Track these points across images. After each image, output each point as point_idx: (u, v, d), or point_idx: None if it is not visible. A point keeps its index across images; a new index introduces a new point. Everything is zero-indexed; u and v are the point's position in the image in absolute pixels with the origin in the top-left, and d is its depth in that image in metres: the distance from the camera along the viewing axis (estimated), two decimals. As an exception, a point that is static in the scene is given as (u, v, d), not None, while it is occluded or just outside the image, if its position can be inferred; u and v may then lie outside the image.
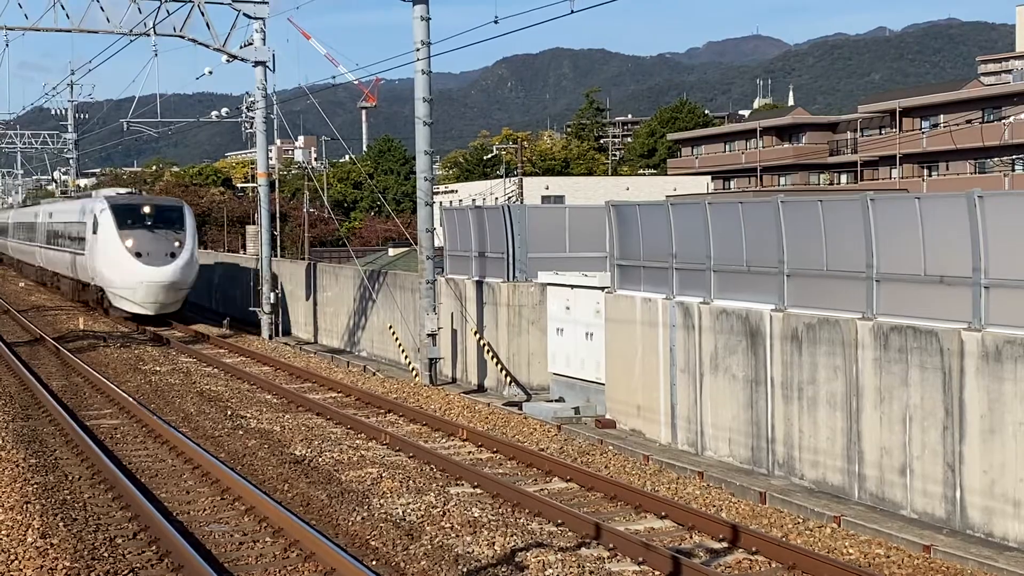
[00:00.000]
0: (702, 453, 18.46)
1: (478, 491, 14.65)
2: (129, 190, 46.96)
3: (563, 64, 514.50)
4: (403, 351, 29.50)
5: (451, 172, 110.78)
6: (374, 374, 26.69)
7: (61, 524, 12.57)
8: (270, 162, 39.43)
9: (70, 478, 15.01)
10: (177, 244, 35.68)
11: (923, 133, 72.73)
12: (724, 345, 17.92)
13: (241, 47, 35.49)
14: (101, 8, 33.44)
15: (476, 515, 13.28)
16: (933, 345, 14.06)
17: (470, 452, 17.38)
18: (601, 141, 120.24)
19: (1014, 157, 67.74)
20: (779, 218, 16.89)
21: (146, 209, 36.43)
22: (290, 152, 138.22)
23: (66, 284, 44.62)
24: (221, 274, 47.70)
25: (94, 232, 36.68)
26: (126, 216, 36.06)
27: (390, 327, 30.93)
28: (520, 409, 21.90)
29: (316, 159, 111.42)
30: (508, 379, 25.49)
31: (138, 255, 35.08)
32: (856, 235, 15.47)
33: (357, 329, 35.34)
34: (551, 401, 23.11)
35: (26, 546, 11.61)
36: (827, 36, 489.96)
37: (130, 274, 35.04)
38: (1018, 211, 13.82)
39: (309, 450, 17.00)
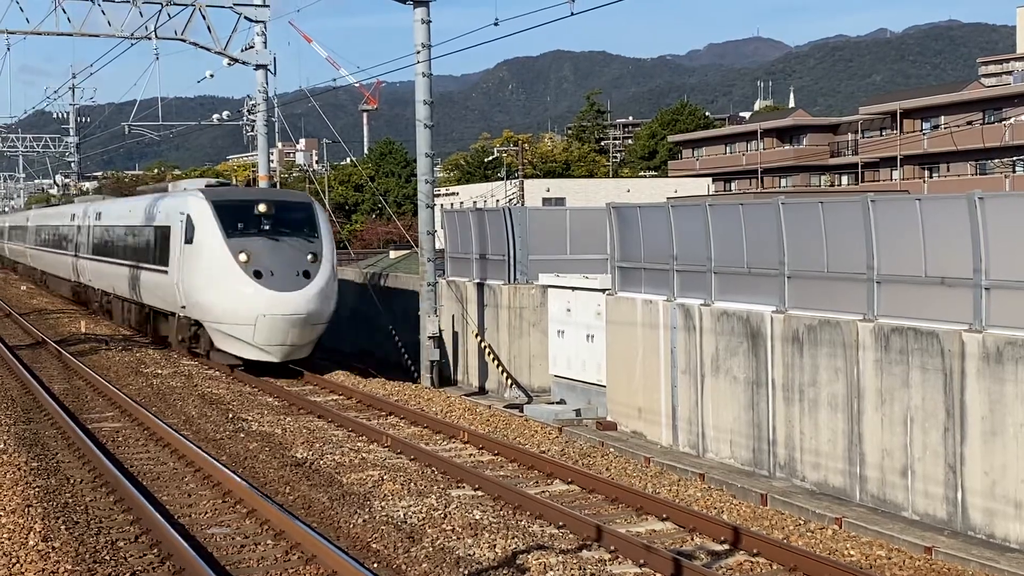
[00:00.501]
0: (703, 455, 18.46)
1: (479, 493, 14.65)
2: (221, 180, 33.65)
3: (564, 66, 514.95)
4: (404, 353, 29.52)
5: (452, 174, 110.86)
6: (375, 376, 26.71)
7: (63, 527, 12.57)
8: (271, 165, 39.42)
9: (72, 481, 15.01)
10: (311, 258, 24.78)
11: (924, 134, 72.74)
12: (725, 347, 17.93)
13: (242, 50, 35.55)
14: (102, 12, 33.50)
15: (477, 517, 13.28)
16: (934, 346, 14.07)
17: (471, 454, 17.38)
18: (602, 143, 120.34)
19: (1015, 158, 67.74)
20: (780, 220, 16.90)
21: (262, 207, 25.32)
22: (291, 155, 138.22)
23: (130, 311, 33.01)
24: None
25: (186, 240, 25.88)
26: (235, 218, 25.29)
27: (391, 329, 30.95)
28: (521, 411, 21.90)
29: (317, 162, 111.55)
30: (509, 381, 25.50)
31: (257, 275, 24.12)
32: (857, 237, 15.47)
33: (358, 332, 35.35)
34: (552, 403, 23.11)
35: (28, 549, 11.61)
36: (828, 38, 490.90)
37: (247, 303, 24.03)
38: (1019, 212, 13.83)
39: (310, 453, 17.00)
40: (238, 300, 24.21)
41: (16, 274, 65.50)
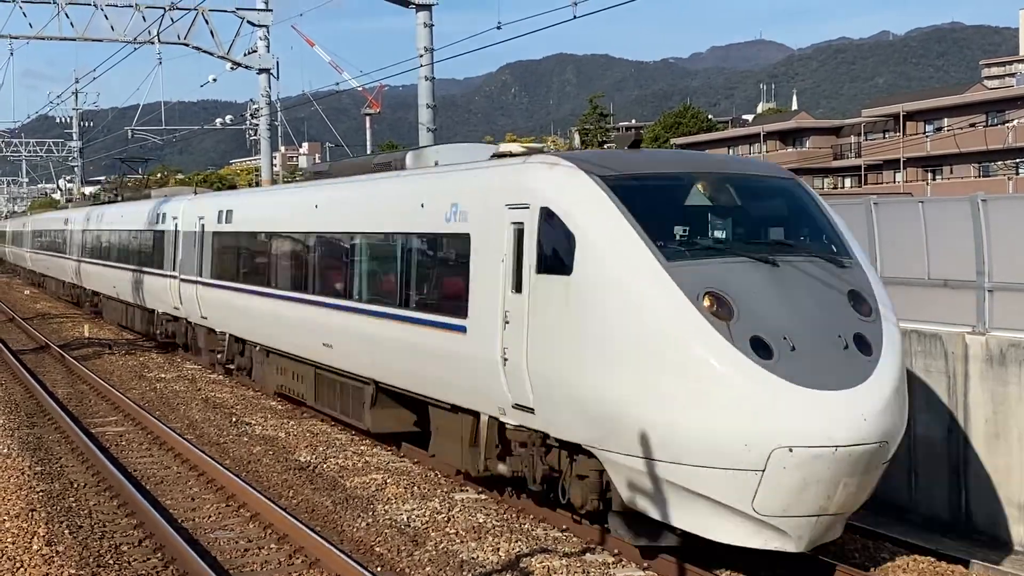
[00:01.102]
0: (707, 458, 18.43)
1: (483, 497, 14.63)
2: (525, 146, 15.02)
3: (566, 70, 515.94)
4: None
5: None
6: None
7: (66, 531, 12.58)
8: (274, 169, 39.47)
9: (75, 485, 15.02)
10: (852, 307, 10.69)
11: (927, 137, 72.76)
12: (728, 350, 17.88)
13: (245, 54, 35.66)
14: (105, 17, 33.68)
15: (481, 521, 13.26)
16: (937, 349, 14.05)
17: (475, 458, 17.33)
18: (605, 147, 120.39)
19: (1018, 160, 67.74)
20: (782, 222, 16.88)
21: (711, 189, 11.41)
22: (294, 159, 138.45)
23: (315, 382, 18.93)
24: None
25: (542, 267, 11.52)
26: (664, 214, 11.12)
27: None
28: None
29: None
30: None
31: (759, 348, 9.85)
32: (859, 239, 15.45)
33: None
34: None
35: (32, 553, 11.62)
36: (831, 40, 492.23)
37: (745, 414, 9.73)
38: (1022, 214, 13.83)
39: (314, 456, 16.99)
40: (718, 406, 10.02)
41: (41, 289, 55.52)
